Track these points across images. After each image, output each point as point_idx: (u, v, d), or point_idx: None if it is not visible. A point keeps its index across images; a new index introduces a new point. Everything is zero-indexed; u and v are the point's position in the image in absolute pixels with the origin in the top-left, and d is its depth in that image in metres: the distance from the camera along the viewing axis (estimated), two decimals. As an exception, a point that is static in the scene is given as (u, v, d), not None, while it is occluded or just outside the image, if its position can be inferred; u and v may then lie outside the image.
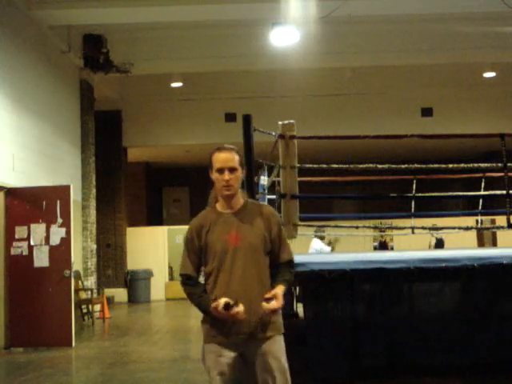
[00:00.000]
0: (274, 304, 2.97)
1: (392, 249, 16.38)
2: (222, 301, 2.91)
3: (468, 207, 16.32)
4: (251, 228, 3.09)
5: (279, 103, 14.40)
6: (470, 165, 7.30)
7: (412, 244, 14.98)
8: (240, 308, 2.92)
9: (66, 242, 8.64)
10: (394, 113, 15.15)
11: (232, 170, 3.07)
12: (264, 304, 2.97)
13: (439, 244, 14.17)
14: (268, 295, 2.98)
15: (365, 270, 5.06)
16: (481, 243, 16.39)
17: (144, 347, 8.59)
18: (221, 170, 3.07)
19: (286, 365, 3.09)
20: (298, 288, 7.89)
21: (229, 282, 3.03)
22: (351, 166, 7.14)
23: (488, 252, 7.19)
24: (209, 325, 3.10)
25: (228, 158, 3.08)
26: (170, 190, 20.31)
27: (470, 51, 12.20)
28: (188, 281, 3.13)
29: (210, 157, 3.12)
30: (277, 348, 3.09)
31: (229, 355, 3.04)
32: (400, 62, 13.06)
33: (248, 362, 3.08)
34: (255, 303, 3.00)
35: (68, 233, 8.65)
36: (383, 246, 16.77)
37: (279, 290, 3.04)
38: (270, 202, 6.91)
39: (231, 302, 2.90)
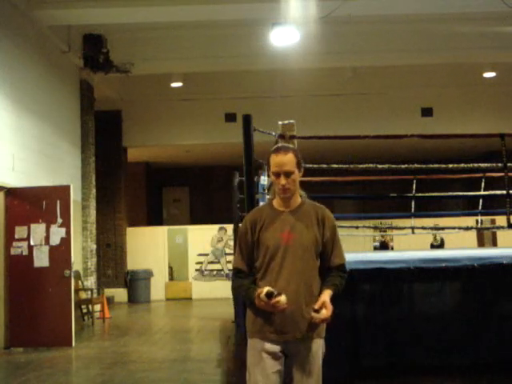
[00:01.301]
0: (324, 313, 2.96)
1: (392, 249, 16.39)
2: (265, 289, 2.93)
3: (468, 207, 16.32)
4: (305, 228, 3.09)
5: (279, 103, 14.40)
6: (470, 165, 7.30)
7: (412, 244, 14.98)
8: (282, 298, 2.91)
9: (65, 242, 8.64)
10: (394, 113, 15.15)
11: (288, 173, 3.05)
12: (314, 314, 2.97)
13: (441, 244, 14.22)
14: (317, 305, 2.97)
15: (365, 269, 5.07)
16: (481, 243, 16.39)
17: (144, 347, 8.59)
18: (277, 174, 3.07)
19: (321, 363, 3.11)
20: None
21: (276, 278, 3.03)
22: (351, 165, 7.14)
23: (488, 252, 7.19)
24: (254, 319, 3.10)
25: (284, 161, 3.05)
26: (170, 190, 20.31)
27: (470, 51, 12.20)
28: (238, 274, 3.16)
29: (268, 157, 3.13)
30: (316, 350, 3.09)
31: (272, 351, 3.05)
32: (400, 61, 13.06)
33: (286, 359, 3.09)
34: (299, 301, 3.01)
35: (68, 233, 8.65)
36: (384, 245, 16.77)
37: (327, 296, 3.02)
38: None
39: (275, 292, 2.91)
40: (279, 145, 3.25)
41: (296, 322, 3.03)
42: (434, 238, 14.86)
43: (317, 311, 2.96)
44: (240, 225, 3.21)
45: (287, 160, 3.06)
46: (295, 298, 3.01)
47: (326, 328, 3.18)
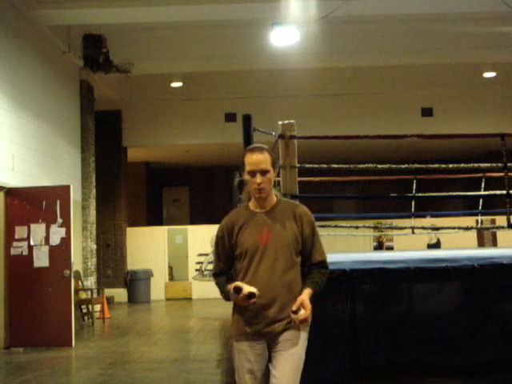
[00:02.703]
0: (301, 314, 2.96)
1: (391, 249, 16.37)
2: (233, 284, 2.97)
3: (468, 207, 16.32)
4: (282, 227, 3.09)
5: (279, 103, 14.39)
6: (470, 165, 7.30)
7: (412, 244, 14.99)
8: (247, 289, 2.93)
9: (65, 242, 8.64)
10: (394, 113, 15.14)
11: (264, 172, 3.05)
12: (292, 316, 2.97)
13: (437, 243, 14.23)
14: (295, 305, 2.98)
15: (365, 269, 5.06)
16: (481, 243, 16.38)
17: (144, 347, 8.58)
18: (252, 173, 3.05)
19: (303, 352, 3.10)
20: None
21: (255, 278, 3.03)
22: (351, 165, 7.14)
23: (488, 252, 7.19)
24: (235, 322, 3.14)
25: (260, 159, 3.05)
26: (169, 190, 20.31)
27: (470, 51, 12.20)
28: (216, 275, 3.22)
29: (242, 157, 3.12)
30: (297, 336, 3.08)
31: (257, 349, 3.07)
32: (400, 61, 13.06)
33: (269, 348, 3.10)
34: (278, 300, 3.02)
35: (68, 233, 8.65)
36: (380, 245, 16.76)
37: (306, 296, 3.03)
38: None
39: (241, 287, 2.94)
40: (254, 145, 3.24)
41: (276, 322, 3.04)
42: (430, 237, 14.91)
43: (295, 312, 2.96)
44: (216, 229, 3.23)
45: (263, 158, 3.05)
46: (274, 298, 3.02)
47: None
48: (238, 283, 2.96)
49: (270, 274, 3.03)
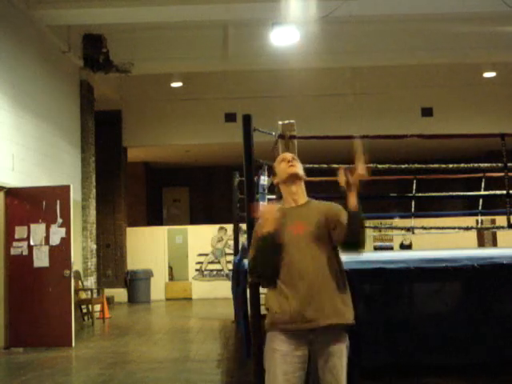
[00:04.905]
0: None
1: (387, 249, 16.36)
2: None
3: (468, 207, 16.31)
4: (314, 220, 3.16)
5: (279, 103, 14.39)
6: (470, 165, 7.30)
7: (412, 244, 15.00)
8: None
9: (65, 242, 8.64)
10: (394, 113, 15.13)
11: (294, 159, 3.34)
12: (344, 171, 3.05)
13: (410, 244, 14.33)
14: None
15: (365, 269, 5.06)
16: (481, 243, 16.38)
17: (144, 347, 8.59)
18: (284, 159, 3.35)
19: (345, 363, 3.10)
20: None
21: (296, 267, 3.05)
22: (351, 165, 7.12)
23: (488, 252, 7.20)
24: (274, 315, 3.09)
25: (290, 154, 3.45)
26: (169, 190, 20.30)
27: (470, 51, 12.19)
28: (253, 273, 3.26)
29: (274, 168, 3.41)
30: (341, 348, 3.07)
31: (297, 351, 3.03)
32: (400, 61, 13.05)
33: (311, 358, 3.06)
34: (321, 285, 3.02)
35: (68, 233, 8.65)
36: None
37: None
38: (270, 202, 6.89)
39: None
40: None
41: (320, 306, 3.01)
42: (405, 238, 15.05)
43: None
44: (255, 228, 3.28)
45: (294, 156, 3.42)
46: (316, 282, 3.02)
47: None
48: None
49: (311, 262, 3.06)
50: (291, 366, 3.01)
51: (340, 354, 3.06)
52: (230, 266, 14.44)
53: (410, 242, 15.06)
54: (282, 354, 3.02)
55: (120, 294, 15.12)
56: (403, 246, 14.98)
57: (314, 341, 3.03)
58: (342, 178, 3.03)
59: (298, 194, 3.27)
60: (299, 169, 3.30)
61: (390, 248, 16.49)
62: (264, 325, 3.21)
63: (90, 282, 11.87)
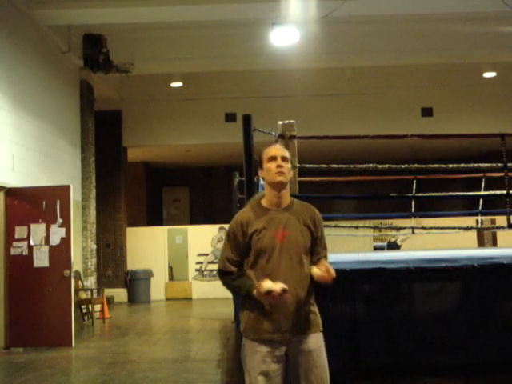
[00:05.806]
0: (331, 271, 2.99)
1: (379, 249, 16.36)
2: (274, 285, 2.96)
3: (468, 207, 16.31)
4: (298, 226, 3.11)
5: (279, 103, 14.39)
6: (470, 165, 7.30)
7: (412, 244, 14.99)
8: (283, 285, 2.93)
9: (65, 242, 8.64)
10: (394, 113, 15.13)
11: (284, 159, 3.12)
12: (315, 270, 3.01)
13: (395, 245, 14.33)
14: (318, 268, 3.03)
15: (365, 269, 5.07)
16: (481, 243, 16.38)
17: (144, 347, 8.59)
18: (274, 158, 3.12)
19: (327, 362, 3.13)
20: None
21: (274, 277, 3.00)
22: (351, 166, 7.13)
23: (488, 252, 7.20)
24: (251, 319, 3.09)
25: (280, 149, 3.19)
26: (169, 190, 20.31)
27: (470, 51, 12.19)
28: (229, 275, 3.17)
29: (261, 154, 3.20)
30: (319, 345, 3.11)
31: (274, 353, 3.04)
32: (400, 61, 13.05)
33: (289, 359, 3.08)
34: (298, 298, 3.03)
35: (68, 233, 8.66)
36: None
37: (325, 262, 3.06)
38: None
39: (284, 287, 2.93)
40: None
41: (296, 318, 3.04)
42: (396, 237, 15.08)
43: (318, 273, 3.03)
44: (227, 227, 3.21)
45: (283, 150, 3.19)
46: (294, 296, 3.02)
47: (326, 328, 3.18)
48: (266, 282, 2.95)
49: (289, 274, 3.04)
50: (271, 366, 3.03)
51: (319, 352, 3.09)
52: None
53: (401, 242, 15.03)
54: (261, 356, 3.04)
55: (120, 294, 15.12)
56: (391, 246, 14.97)
57: (291, 342, 3.07)
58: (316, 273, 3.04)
59: (283, 197, 3.15)
60: (288, 173, 3.13)
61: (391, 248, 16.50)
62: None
63: (90, 282, 11.87)
